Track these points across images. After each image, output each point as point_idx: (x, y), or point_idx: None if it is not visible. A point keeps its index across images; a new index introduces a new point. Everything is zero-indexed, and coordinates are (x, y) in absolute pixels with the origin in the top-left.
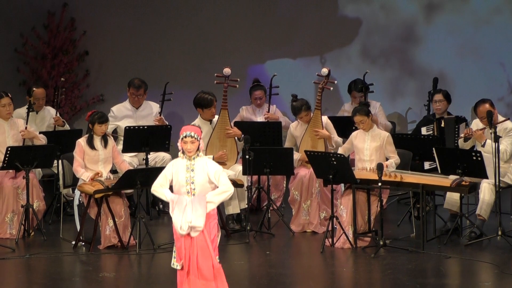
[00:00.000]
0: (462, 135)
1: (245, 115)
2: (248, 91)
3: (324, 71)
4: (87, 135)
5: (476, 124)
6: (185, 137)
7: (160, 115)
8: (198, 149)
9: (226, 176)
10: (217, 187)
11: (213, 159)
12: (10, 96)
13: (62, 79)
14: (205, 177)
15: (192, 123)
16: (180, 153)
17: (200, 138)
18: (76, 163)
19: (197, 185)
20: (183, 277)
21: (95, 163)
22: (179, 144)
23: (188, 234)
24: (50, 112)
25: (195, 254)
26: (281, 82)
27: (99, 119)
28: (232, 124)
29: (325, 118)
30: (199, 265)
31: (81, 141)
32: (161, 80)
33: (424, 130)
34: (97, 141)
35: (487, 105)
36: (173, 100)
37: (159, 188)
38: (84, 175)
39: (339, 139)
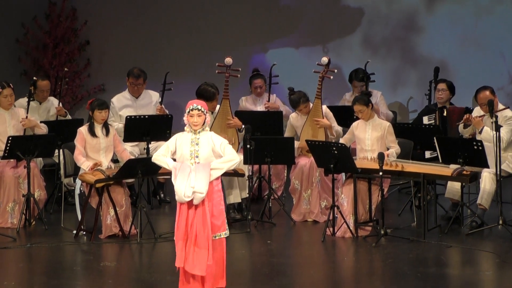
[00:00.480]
0: (462, 121)
1: (245, 106)
2: (248, 81)
3: (324, 60)
4: (88, 123)
5: (477, 112)
6: (192, 110)
7: (161, 105)
8: (204, 123)
9: (231, 148)
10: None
11: None
12: (12, 86)
13: (65, 69)
14: (209, 151)
15: None
16: (186, 127)
17: (206, 112)
18: (77, 151)
19: (202, 159)
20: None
21: (97, 151)
22: (185, 118)
23: (191, 203)
24: (54, 103)
25: (195, 224)
26: (283, 72)
27: (98, 106)
28: (233, 114)
29: (324, 108)
30: (197, 234)
31: (82, 129)
32: (162, 69)
33: (425, 120)
34: (98, 129)
35: (487, 92)
36: (174, 90)
37: (160, 156)
38: (84, 164)
39: (339, 128)
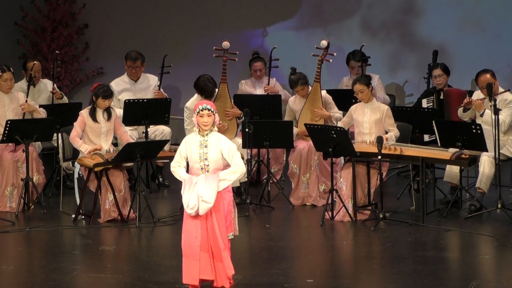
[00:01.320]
0: (462, 104)
1: (244, 89)
2: (248, 63)
3: (323, 43)
4: (89, 107)
5: (477, 96)
6: (202, 110)
7: (159, 88)
8: (213, 123)
9: (239, 155)
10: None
11: None
12: (12, 70)
13: (57, 52)
14: (218, 154)
15: (190, 100)
16: (195, 128)
17: (216, 112)
18: (74, 132)
19: (211, 162)
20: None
21: (97, 135)
22: (194, 119)
23: (197, 216)
24: (47, 86)
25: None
26: (283, 55)
27: (103, 94)
28: (232, 97)
29: (324, 93)
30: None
31: (84, 113)
32: (160, 53)
33: (424, 103)
34: (100, 114)
35: (488, 75)
36: (172, 73)
37: (176, 168)
38: (82, 147)
39: (339, 115)
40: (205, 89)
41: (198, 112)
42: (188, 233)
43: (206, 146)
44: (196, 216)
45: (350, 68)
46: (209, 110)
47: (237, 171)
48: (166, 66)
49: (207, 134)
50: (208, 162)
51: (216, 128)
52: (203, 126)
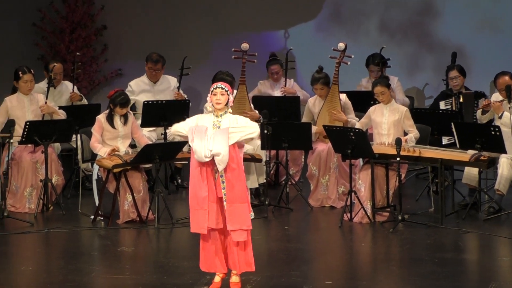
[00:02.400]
0: (480, 106)
1: (262, 90)
2: (266, 66)
3: (341, 45)
4: (107, 112)
5: (496, 98)
6: (216, 88)
7: (179, 90)
8: (227, 104)
9: (256, 125)
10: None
11: None
12: (32, 72)
13: (77, 53)
14: None
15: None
16: (208, 107)
17: (230, 93)
18: (93, 139)
19: None
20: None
21: (114, 139)
22: (208, 97)
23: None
24: (68, 87)
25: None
26: (303, 56)
27: (120, 102)
28: (251, 98)
29: (344, 97)
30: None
31: (101, 118)
32: (179, 54)
33: (442, 105)
34: (117, 119)
35: (506, 78)
36: (192, 75)
37: (177, 126)
38: (101, 151)
39: (355, 121)
40: (221, 81)
41: (212, 91)
42: (194, 186)
43: (219, 127)
44: (203, 167)
45: (369, 71)
46: (222, 88)
47: (250, 126)
48: (185, 68)
49: (221, 115)
50: None
51: (230, 110)
52: (216, 104)
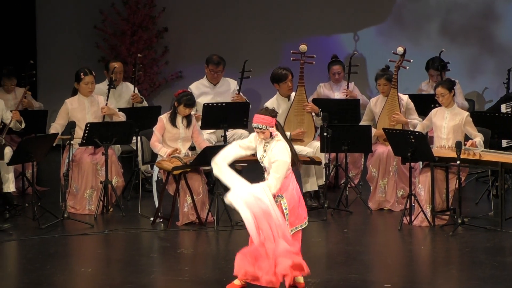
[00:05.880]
0: None
1: (322, 92)
2: (327, 67)
3: (400, 49)
4: (170, 112)
5: None
6: (255, 128)
7: (239, 92)
8: (271, 136)
9: (280, 170)
10: None
11: (290, 136)
12: (94, 74)
13: (139, 55)
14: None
15: (269, 101)
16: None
17: (269, 127)
18: (154, 138)
19: (266, 165)
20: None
21: (175, 140)
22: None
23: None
24: (128, 88)
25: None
26: (362, 60)
27: (186, 102)
28: (310, 100)
29: (406, 98)
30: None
31: (164, 118)
32: (240, 57)
33: (503, 108)
34: (179, 120)
35: None
36: (252, 77)
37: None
38: (162, 151)
39: (417, 122)
40: (278, 74)
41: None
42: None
43: (265, 151)
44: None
45: (429, 75)
46: (259, 128)
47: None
48: (246, 71)
49: (268, 142)
50: (265, 165)
51: (278, 138)
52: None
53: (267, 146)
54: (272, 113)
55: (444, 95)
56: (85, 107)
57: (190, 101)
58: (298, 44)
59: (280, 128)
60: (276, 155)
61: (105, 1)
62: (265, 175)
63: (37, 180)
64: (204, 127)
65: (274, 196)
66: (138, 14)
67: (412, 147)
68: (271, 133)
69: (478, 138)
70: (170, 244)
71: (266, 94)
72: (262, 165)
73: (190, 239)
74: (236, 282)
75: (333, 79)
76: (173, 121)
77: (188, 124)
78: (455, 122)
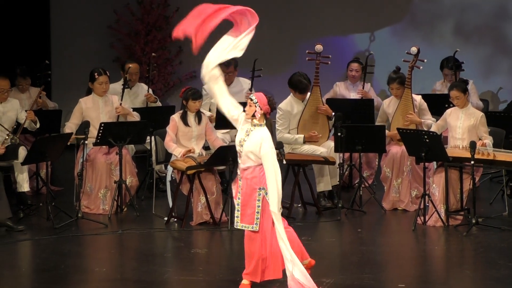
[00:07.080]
0: None
1: (338, 92)
2: (346, 65)
3: (414, 49)
4: (181, 111)
5: None
6: (249, 98)
7: (251, 91)
8: (254, 115)
9: (271, 160)
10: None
11: (304, 138)
12: (108, 74)
13: (153, 54)
14: (254, 149)
15: (283, 102)
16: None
17: (259, 106)
18: (168, 137)
19: (244, 150)
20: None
21: (188, 139)
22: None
23: None
24: (143, 88)
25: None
26: (378, 60)
27: (192, 95)
28: (325, 100)
29: (419, 98)
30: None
31: (175, 117)
32: (254, 57)
33: None
34: (191, 118)
35: None
36: (267, 77)
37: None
38: (176, 151)
39: (431, 122)
40: (299, 84)
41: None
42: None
43: (248, 135)
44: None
45: (443, 75)
46: (251, 100)
47: (272, 174)
48: (257, 70)
49: (254, 126)
50: (242, 150)
51: (263, 125)
52: (246, 114)
53: (251, 130)
54: (272, 104)
55: (459, 98)
56: (99, 106)
57: (196, 93)
58: (314, 44)
59: (267, 123)
60: (268, 148)
61: (119, 1)
62: (239, 160)
63: (51, 179)
64: (218, 127)
65: (260, 189)
66: (152, 14)
67: (426, 147)
68: (254, 113)
69: (488, 140)
70: (184, 244)
71: (278, 94)
72: (237, 149)
73: (204, 239)
74: (245, 282)
75: (350, 77)
76: (184, 120)
77: (199, 121)
78: (470, 122)
